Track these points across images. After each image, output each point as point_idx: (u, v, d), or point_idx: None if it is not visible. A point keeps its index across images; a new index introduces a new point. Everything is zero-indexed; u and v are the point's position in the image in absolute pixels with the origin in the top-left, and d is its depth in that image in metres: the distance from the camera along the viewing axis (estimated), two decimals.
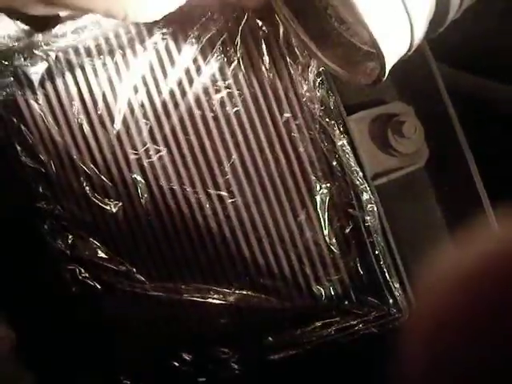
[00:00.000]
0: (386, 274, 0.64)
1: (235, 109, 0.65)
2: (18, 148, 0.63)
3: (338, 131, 0.63)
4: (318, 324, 0.66)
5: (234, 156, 0.65)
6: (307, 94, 0.64)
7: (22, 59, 0.62)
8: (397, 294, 0.64)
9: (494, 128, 0.67)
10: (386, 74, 0.52)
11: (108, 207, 0.64)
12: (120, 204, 0.64)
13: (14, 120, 0.63)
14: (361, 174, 0.63)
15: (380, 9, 0.49)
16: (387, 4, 0.49)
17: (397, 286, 0.64)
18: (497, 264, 0.26)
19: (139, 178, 0.64)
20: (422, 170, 0.65)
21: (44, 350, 0.64)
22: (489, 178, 0.63)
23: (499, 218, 0.61)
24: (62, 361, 0.64)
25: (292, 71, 0.64)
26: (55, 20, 0.62)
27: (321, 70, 0.63)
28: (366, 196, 0.63)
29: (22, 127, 0.63)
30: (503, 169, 0.64)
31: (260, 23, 0.63)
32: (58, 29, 0.63)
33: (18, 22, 0.62)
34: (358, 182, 0.63)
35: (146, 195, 0.64)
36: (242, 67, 0.64)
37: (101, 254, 0.64)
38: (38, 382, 0.64)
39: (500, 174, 0.63)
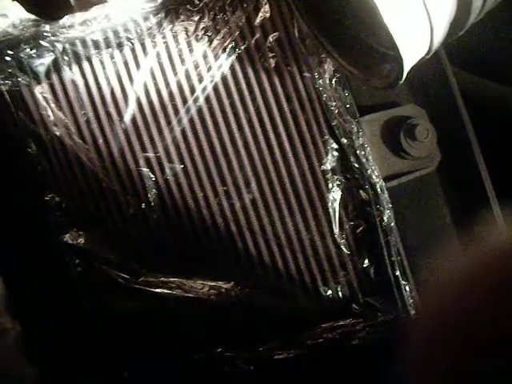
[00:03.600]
0: (399, 277, 0.63)
1: (246, 106, 0.64)
2: (26, 139, 0.61)
3: (355, 129, 0.62)
4: (324, 326, 0.65)
5: (243, 154, 0.64)
6: (321, 91, 0.63)
7: (28, 49, 0.61)
8: (406, 297, 0.64)
9: (506, 133, 0.66)
10: (404, 78, 0.52)
11: (114, 201, 0.63)
12: (127, 199, 0.63)
13: (19, 111, 0.61)
14: (376, 173, 0.62)
15: (401, 10, 0.48)
16: (408, 6, 0.48)
17: (407, 289, 0.63)
18: (505, 268, 0.27)
19: (146, 173, 0.63)
20: (433, 173, 0.65)
21: (47, 343, 0.63)
22: (499, 183, 0.63)
23: (508, 222, 0.61)
24: (65, 354, 0.63)
25: (305, 70, 0.63)
26: (64, 10, 0.61)
27: (336, 68, 0.62)
28: (379, 197, 0.62)
29: (28, 118, 0.61)
30: None
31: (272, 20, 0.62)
32: (66, 20, 0.61)
33: (25, 11, 0.60)
34: (374, 182, 0.62)
35: (153, 191, 0.63)
36: (253, 65, 0.63)
37: (106, 249, 0.63)
38: (41, 375, 0.63)
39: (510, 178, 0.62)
